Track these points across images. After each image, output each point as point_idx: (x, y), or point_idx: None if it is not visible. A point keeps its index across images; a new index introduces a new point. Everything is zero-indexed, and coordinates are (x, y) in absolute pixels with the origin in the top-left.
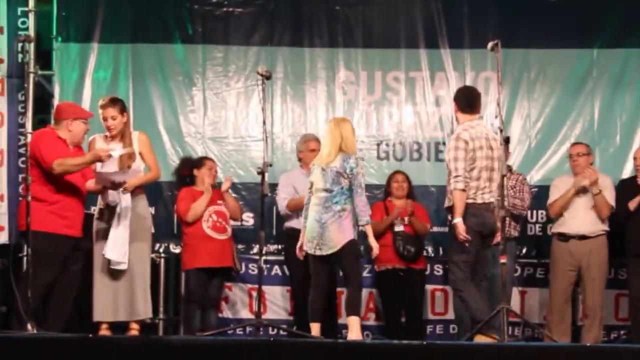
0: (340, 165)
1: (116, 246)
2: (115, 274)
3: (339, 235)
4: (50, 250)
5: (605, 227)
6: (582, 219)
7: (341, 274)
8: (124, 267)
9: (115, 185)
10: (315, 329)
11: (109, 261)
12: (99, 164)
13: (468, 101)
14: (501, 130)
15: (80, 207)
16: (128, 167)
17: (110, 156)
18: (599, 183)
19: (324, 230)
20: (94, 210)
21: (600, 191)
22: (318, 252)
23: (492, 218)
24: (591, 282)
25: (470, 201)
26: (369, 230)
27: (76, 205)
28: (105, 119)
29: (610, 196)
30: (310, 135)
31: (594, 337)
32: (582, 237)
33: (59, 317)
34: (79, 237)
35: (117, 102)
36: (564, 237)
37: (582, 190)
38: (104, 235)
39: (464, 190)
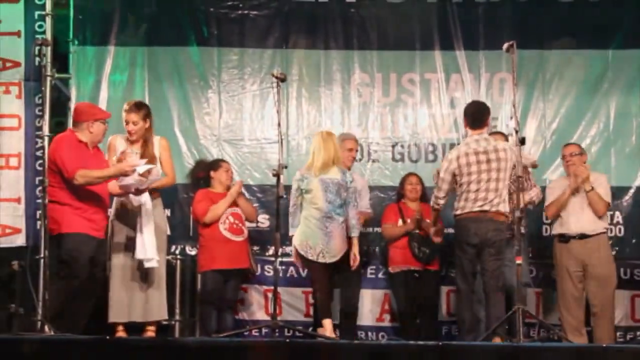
0: (341, 178)
1: (145, 246)
2: (131, 276)
3: (342, 246)
4: (81, 251)
5: (605, 225)
6: (580, 219)
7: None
8: (155, 264)
9: (138, 192)
10: (327, 324)
11: (139, 262)
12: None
13: (474, 117)
14: (516, 131)
15: (104, 209)
16: (148, 173)
17: (134, 171)
18: (592, 180)
19: (330, 239)
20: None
21: (593, 188)
22: (321, 259)
23: (487, 227)
24: (595, 281)
25: (458, 212)
26: (356, 242)
27: (100, 208)
28: (127, 123)
29: (605, 193)
30: (348, 134)
31: (606, 338)
32: (582, 237)
33: (80, 319)
34: (102, 239)
35: (141, 108)
36: (564, 238)
37: (577, 190)
38: (122, 237)
39: (434, 208)
